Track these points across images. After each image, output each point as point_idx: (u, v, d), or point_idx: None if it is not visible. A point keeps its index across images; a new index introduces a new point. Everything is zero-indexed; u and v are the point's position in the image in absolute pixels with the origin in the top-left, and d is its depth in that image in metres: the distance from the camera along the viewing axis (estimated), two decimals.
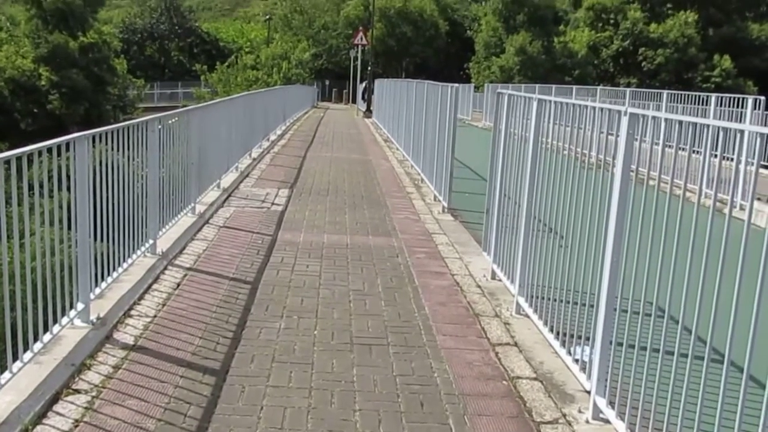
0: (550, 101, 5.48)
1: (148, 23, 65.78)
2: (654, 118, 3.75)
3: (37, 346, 4.07)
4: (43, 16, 43.60)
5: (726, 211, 3.07)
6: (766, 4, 54.95)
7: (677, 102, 17.98)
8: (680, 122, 3.49)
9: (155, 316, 5.32)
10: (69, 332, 4.55)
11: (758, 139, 2.81)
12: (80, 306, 4.73)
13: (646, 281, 3.62)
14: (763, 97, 12.70)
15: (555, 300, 4.90)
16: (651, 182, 3.68)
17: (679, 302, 3.29)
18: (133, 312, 5.37)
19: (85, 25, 44.01)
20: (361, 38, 40.66)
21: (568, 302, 4.66)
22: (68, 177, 4.71)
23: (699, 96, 16.65)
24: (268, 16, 70.18)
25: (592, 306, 4.18)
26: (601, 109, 4.65)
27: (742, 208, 7.30)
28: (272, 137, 19.78)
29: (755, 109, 12.37)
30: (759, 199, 9.74)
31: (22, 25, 44.95)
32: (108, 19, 63.26)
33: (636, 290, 3.72)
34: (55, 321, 4.33)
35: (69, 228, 4.86)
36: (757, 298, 2.77)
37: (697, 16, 51.05)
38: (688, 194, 3.40)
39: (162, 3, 67.60)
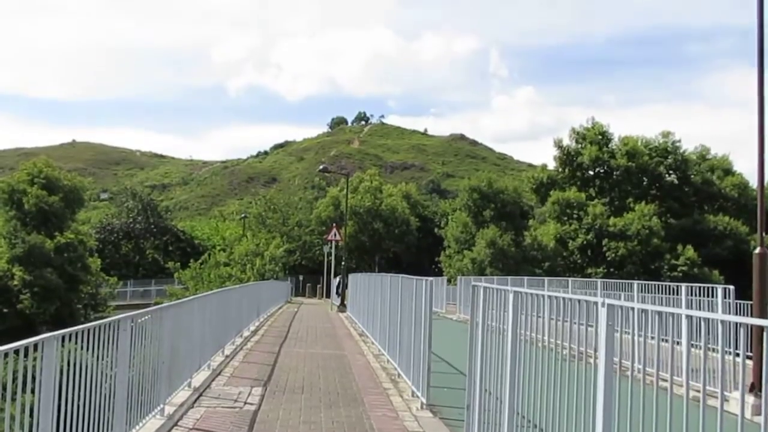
0: (526, 293, 5.52)
1: (125, 223, 67.00)
2: (632, 308, 3.77)
3: None
4: (22, 218, 44.26)
5: (712, 403, 3.00)
6: (722, 197, 57.78)
7: (647, 292, 18.23)
8: (659, 313, 3.50)
9: None
10: None
11: (742, 329, 2.81)
12: None
13: None
14: (732, 287, 12.95)
15: None
16: (628, 373, 3.61)
17: None
18: None
19: (63, 226, 44.65)
20: (335, 234, 41.60)
21: None
22: (34, 378, 4.52)
23: (668, 286, 16.94)
24: (243, 215, 72.05)
25: None
26: (578, 300, 4.68)
27: (726, 400, 7.17)
28: (245, 333, 19.50)
29: (725, 298, 12.57)
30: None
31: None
32: (86, 219, 64.47)
33: None
34: None
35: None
36: None
37: (656, 209, 53.35)
38: (671, 386, 3.33)
39: (139, 204, 69.37)
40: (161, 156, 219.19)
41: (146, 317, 7.58)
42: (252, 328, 21.53)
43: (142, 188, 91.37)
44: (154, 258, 64.46)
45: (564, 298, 5.05)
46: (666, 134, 58.45)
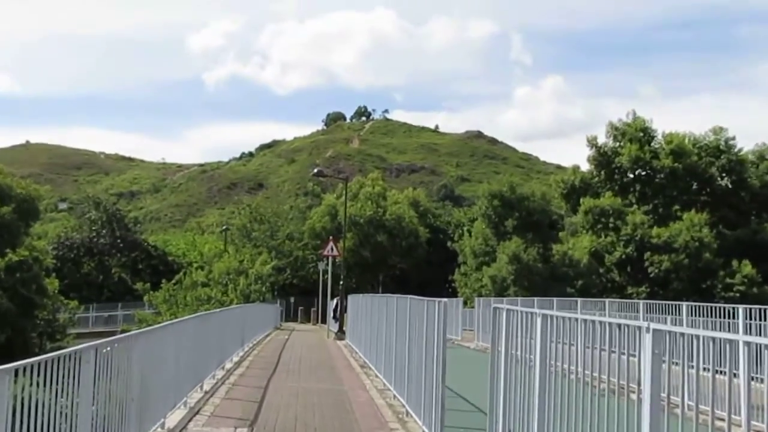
0: (557, 317, 5.50)
1: (87, 237, 67.08)
2: (681, 334, 3.75)
3: None
4: None
5: None
6: None
7: (698, 315, 18.18)
8: (713, 339, 3.48)
9: None
10: None
11: None
12: None
13: None
14: None
15: None
16: (677, 410, 3.59)
17: None
18: None
19: (15, 241, 44.69)
20: (332, 249, 41.54)
21: None
22: None
23: (722, 308, 16.88)
24: (224, 227, 72.19)
25: None
26: (618, 325, 4.65)
27: None
28: (228, 365, 19.50)
29: None
30: None
31: None
32: (42, 233, 64.58)
33: None
34: None
35: None
36: None
37: (707, 217, 53.12)
38: (729, 426, 3.31)
39: (103, 215, 69.44)
40: (129, 159, 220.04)
41: (112, 347, 7.57)
42: (235, 359, 21.52)
43: (106, 197, 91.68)
44: (121, 278, 64.51)
45: (601, 323, 5.03)
46: (717, 130, 58.32)
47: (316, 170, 54.87)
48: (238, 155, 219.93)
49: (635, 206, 55.53)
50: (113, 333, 10.16)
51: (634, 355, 4.22)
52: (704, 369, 3.51)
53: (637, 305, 22.86)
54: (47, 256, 49.60)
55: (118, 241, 67.34)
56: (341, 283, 39.45)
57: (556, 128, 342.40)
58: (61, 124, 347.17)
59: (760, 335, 13.38)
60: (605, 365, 4.68)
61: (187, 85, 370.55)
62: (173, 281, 43.02)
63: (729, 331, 14.73)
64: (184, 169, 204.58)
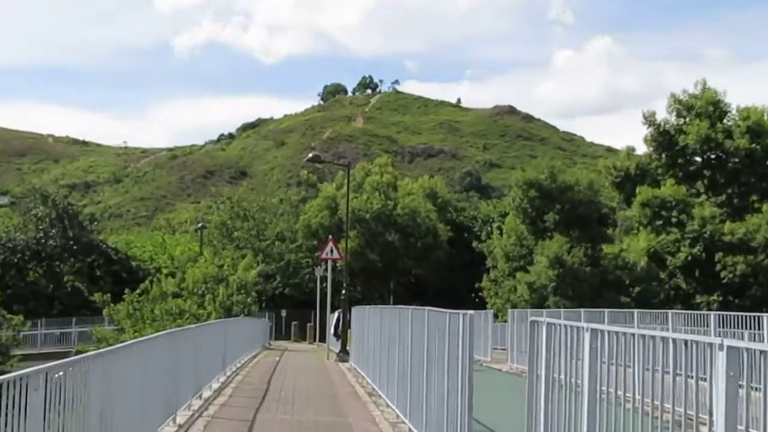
0: (609, 332, 5.50)
1: (33, 238, 67.27)
2: (762, 352, 3.74)
3: None
4: None
5: None
6: None
7: None
8: None
9: None
10: None
11: None
12: None
13: None
14: None
15: None
16: None
17: None
18: None
19: None
20: (331, 251, 41.52)
21: None
22: None
23: None
24: (200, 224, 72.35)
25: None
26: (685, 341, 4.64)
27: None
28: (206, 393, 19.57)
29: None
30: None
31: None
32: None
33: None
34: None
35: None
36: None
37: None
38: None
39: (53, 210, 69.60)
40: (83, 143, 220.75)
41: (65, 371, 7.59)
42: (215, 385, 21.58)
43: (56, 189, 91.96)
44: (75, 287, 64.70)
45: (663, 339, 5.03)
46: None
47: (311, 155, 54.72)
48: (215, 137, 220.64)
49: (704, 197, 55.36)
50: (67, 354, 10.22)
51: (704, 379, 4.21)
52: None
53: (707, 317, 22.84)
54: None
55: (71, 242, 67.48)
56: (343, 292, 39.46)
57: (604, 102, 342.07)
58: (0, 100, 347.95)
59: None
60: (669, 391, 4.67)
61: (154, 53, 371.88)
62: (138, 291, 43.14)
63: None
64: (149, 154, 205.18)
